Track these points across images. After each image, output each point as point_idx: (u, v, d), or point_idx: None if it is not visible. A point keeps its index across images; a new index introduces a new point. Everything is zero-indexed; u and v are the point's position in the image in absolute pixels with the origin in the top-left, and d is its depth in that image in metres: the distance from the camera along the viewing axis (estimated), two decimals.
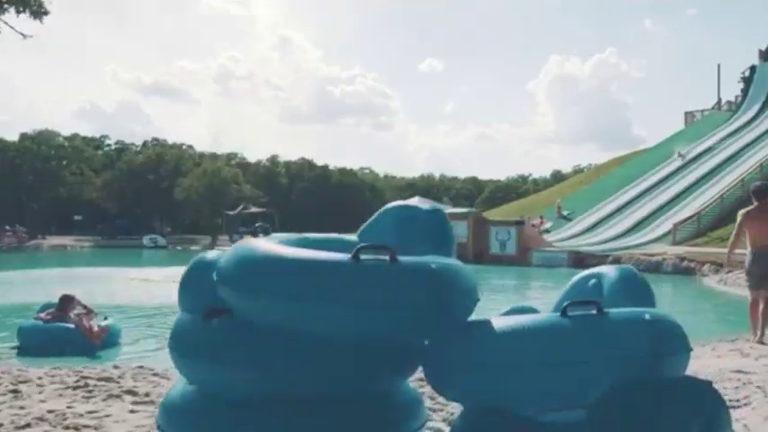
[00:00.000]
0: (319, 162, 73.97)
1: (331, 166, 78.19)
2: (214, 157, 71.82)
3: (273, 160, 73.60)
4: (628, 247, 25.49)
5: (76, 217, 51.97)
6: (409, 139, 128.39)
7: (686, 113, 47.86)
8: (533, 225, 33.36)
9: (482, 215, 29.04)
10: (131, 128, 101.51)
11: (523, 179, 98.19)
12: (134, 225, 46.23)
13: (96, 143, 62.77)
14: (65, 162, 47.31)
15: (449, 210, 30.96)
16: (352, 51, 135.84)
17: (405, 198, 58.04)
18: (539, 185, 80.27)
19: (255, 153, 71.78)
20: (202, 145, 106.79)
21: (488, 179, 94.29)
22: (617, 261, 23.07)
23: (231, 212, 48.48)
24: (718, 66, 49.07)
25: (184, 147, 67.16)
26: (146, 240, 42.60)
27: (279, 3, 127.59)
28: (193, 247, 42.66)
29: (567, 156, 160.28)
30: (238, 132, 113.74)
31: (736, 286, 16.30)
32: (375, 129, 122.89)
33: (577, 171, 77.95)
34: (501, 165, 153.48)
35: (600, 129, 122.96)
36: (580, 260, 24.04)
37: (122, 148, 59.42)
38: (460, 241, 28.24)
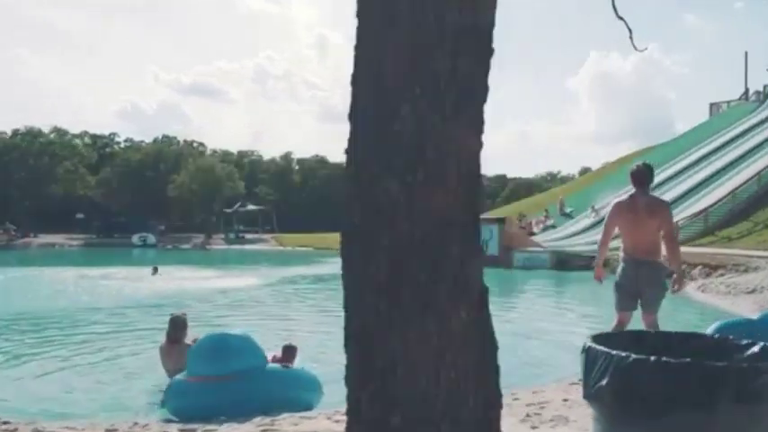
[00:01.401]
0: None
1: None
2: (227, 154, 70.86)
3: (287, 158, 72.23)
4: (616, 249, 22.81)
5: (78, 215, 51.12)
6: None
7: (711, 104, 44.53)
8: (529, 223, 30.95)
9: None
10: (171, 128, 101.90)
11: (552, 176, 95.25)
12: (130, 223, 45.02)
13: (105, 141, 62.11)
14: (55, 159, 46.35)
15: None
16: None
17: None
18: (565, 183, 77.25)
19: (296, 153, 70.89)
20: (241, 144, 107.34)
21: (517, 176, 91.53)
22: (605, 263, 20.58)
23: (228, 210, 47.05)
24: (746, 54, 45.51)
25: (195, 144, 66.14)
26: (135, 239, 41.35)
27: (316, 2, 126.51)
28: (184, 246, 41.28)
29: (608, 154, 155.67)
30: (276, 132, 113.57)
31: (715, 294, 13.80)
32: None
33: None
34: (538, 163, 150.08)
35: (641, 126, 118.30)
36: (563, 262, 21.65)
37: (132, 147, 58.52)
38: None
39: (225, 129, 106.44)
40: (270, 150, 71.43)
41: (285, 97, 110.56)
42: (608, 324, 5.54)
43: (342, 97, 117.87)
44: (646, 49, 4.90)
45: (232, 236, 44.50)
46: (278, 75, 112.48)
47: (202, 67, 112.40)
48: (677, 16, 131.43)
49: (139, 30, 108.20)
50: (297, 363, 7.20)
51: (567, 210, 32.35)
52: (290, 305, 14.03)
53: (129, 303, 13.19)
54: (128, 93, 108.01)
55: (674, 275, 5.38)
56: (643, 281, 5.30)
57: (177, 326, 6.23)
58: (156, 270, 17.77)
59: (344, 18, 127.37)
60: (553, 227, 30.72)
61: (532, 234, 29.96)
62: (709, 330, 5.19)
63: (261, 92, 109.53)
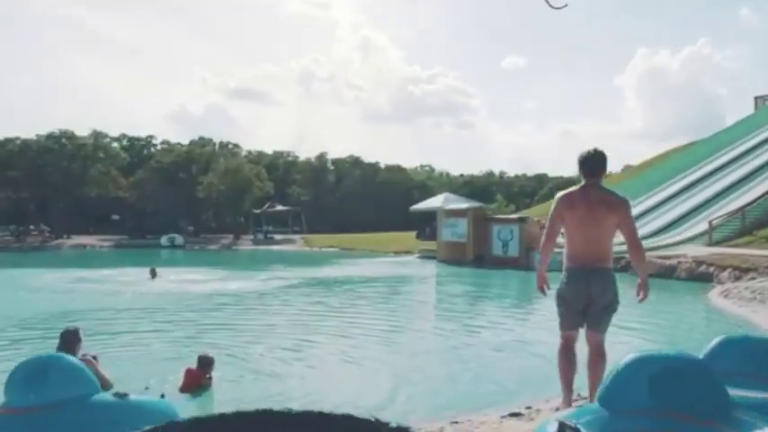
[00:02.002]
0: (394, 161, 73.40)
1: (382, 164, 75.97)
2: (262, 155, 70.98)
3: (321, 158, 71.96)
4: (649, 249, 21.49)
5: (114, 216, 51.72)
6: (491, 137, 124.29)
7: (756, 98, 42.25)
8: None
9: (484, 211, 25.58)
10: (219, 131, 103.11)
11: None
12: (161, 224, 45.24)
13: (142, 143, 62.78)
14: (88, 161, 46.86)
15: (448, 206, 27.77)
16: (433, 50, 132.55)
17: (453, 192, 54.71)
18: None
19: (337, 154, 71.28)
20: (286, 146, 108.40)
21: (557, 176, 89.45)
22: (629, 264, 19.38)
23: (257, 211, 46.86)
24: None
25: (230, 145, 66.38)
26: (163, 240, 41.40)
27: (360, 4, 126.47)
28: (210, 247, 41.19)
29: (655, 152, 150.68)
30: (321, 133, 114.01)
31: (737, 300, 12.59)
32: (456, 128, 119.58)
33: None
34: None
35: (690, 123, 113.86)
36: None
37: (166, 149, 58.95)
38: (459, 241, 25.07)
39: (270, 131, 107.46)
40: (313, 152, 71.19)
41: (329, 99, 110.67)
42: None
43: (385, 98, 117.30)
44: (565, 5, 4.07)
45: (261, 236, 44.26)
46: (322, 77, 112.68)
47: (248, 70, 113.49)
48: (731, 10, 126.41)
49: (187, 34, 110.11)
50: (215, 376, 6.56)
51: None
52: (259, 311, 12.92)
53: (98, 307, 12.66)
54: (176, 96, 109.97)
55: (639, 281, 4.50)
56: (595, 293, 4.42)
57: (67, 341, 5.61)
58: (154, 273, 17.36)
59: (387, 19, 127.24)
60: None
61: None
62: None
63: (305, 94, 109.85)
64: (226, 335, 9.62)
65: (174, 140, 62.74)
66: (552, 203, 4.62)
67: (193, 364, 6.39)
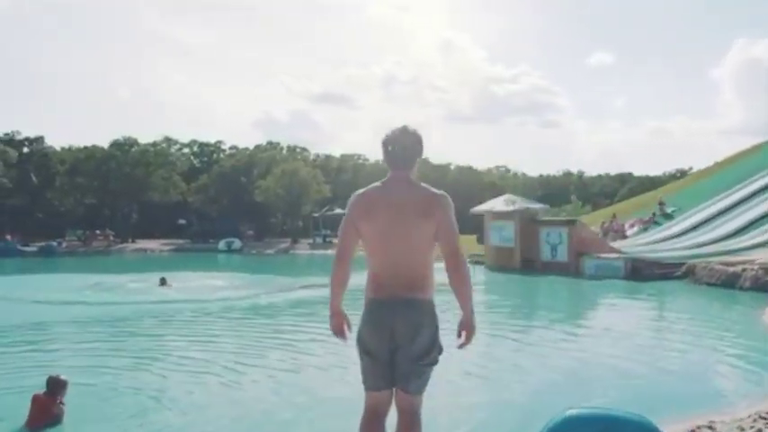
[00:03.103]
0: (474, 162, 72.33)
1: (452, 165, 74.29)
2: (330, 158, 70.73)
3: None
4: (713, 254, 19.08)
5: (180, 221, 52.57)
6: (578, 137, 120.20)
7: None
8: (621, 225, 27.38)
9: (532, 213, 23.60)
10: (303, 136, 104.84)
11: (682, 173, 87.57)
12: (222, 228, 45.48)
13: (211, 148, 63.78)
14: (150, 167, 47.78)
15: (495, 209, 25.98)
16: (516, 49, 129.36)
17: (523, 195, 52.61)
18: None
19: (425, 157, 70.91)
20: (369, 150, 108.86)
21: (642, 174, 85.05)
22: (690, 271, 17.20)
23: (316, 214, 46.29)
24: None
25: (298, 149, 66.49)
26: (221, 244, 41.44)
27: (441, 6, 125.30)
28: (267, 251, 40.84)
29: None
30: None
31: None
32: (541, 127, 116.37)
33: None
34: (674, 160, 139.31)
35: None
36: (637, 270, 18.34)
37: (229, 153, 59.65)
38: (507, 246, 23.30)
39: (353, 135, 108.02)
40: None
41: (412, 101, 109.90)
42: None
43: (468, 99, 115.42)
44: None
45: (319, 240, 43.64)
46: (404, 80, 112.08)
47: (331, 75, 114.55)
48: None
49: (270, 42, 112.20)
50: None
51: (669, 210, 28.29)
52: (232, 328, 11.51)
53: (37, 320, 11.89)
54: (261, 103, 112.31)
55: (461, 319, 3.04)
56: (401, 336, 2.97)
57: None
58: (164, 281, 16.64)
59: (469, 20, 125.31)
60: (644, 230, 26.92)
61: (624, 237, 26.47)
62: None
63: (388, 97, 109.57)
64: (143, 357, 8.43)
65: (229, 144, 63.60)
66: (348, 208, 3.17)
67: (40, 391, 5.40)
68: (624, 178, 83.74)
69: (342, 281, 3.15)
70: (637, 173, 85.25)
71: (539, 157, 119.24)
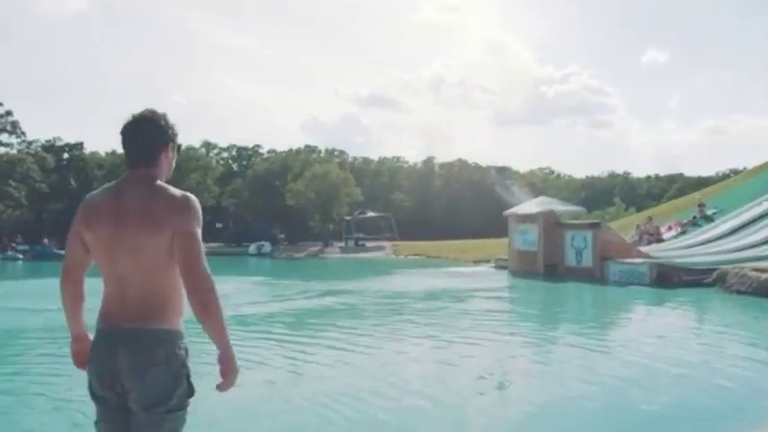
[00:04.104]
0: (520, 164, 71.21)
1: (491, 167, 73.05)
2: (367, 161, 70.36)
3: (428, 162, 70.18)
4: (745, 260, 17.65)
5: (217, 224, 52.86)
6: (631, 137, 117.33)
7: None
8: (656, 228, 25.92)
9: (556, 215, 22.44)
10: (352, 139, 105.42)
11: (735, 173, 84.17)
12: (257, 231, 45.45)
13: (249, 152, 64.10)
14: (182, 171, 48.13)
15: (518, 211, 24.91)
16: (567, 49, 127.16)
17: (565, 197, 51.19)
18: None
19: (470, 159, 70.25)
20: (417, 153, 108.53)
21: (694, 175, 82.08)
22: (721, 278, 15.90)
23: (348, 217, 45.81)
24: None
25: (336, 152, 66.31)
26: (251, 248, 41.33)
27: (490, 7, 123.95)
28: (298, 255, 40.49)
29: None
30: (452, 139, 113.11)
31: None
32: (592, 128, 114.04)
33: None
34: (729, 160, 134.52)
35: None
36: (664, 276, 17.11)
37: (265, 158, 59.82)
38: (530, 250, 22.24)
39: (401, 138, 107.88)
40: (445, 157, 69.88)
41: (460, 104, 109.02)
42: None
43: (518, 100, 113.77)
44: None
45: (351, 243, 43.13)
46: (453, 82, 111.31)
47: (379, 78, 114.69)
48: None
49: (319, 46, 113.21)
50: None
51: (709, 212, 26.68)
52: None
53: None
54: (311, 107, 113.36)
55: (218, 357, 2.30)
56: (127, 379, 2.25)
57: None
58: None
59: (518, 21, 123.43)
60: (683, 233, 25.41)
61: (660, 240, 25.04)
62: None
63: (436, 100, 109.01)
64: None
65: (267, 148, 63.73)
66: (77, 221, 2.41)
67: None
68: (673, 179, 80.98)
69: (73, 299, 2.45)
70: (689, 173, 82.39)
71: (587, 159, 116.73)
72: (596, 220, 22.08)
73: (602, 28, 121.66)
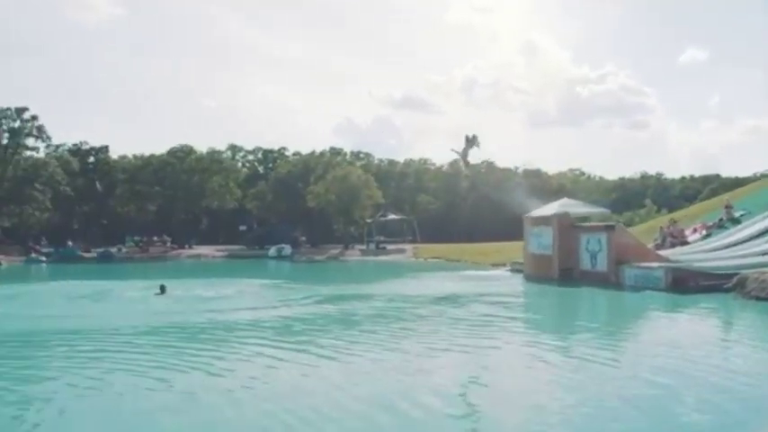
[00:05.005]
0: (555, 166, 70.08)
1: (520, 169, 71.92)
2: (392, 163, 69.85)
3: (454, 164, 69.36)
4: (763, 264, 16.71)
5: (241, 227, 52.91)
6: (668, 137, 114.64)
7: None
8: (680, 230, 24.94)
9: (570, 217, 21.67)
10: (385, 141, 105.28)
11: None
12: (279, 234, 45.25)
13: (275, 155, 64.10)
14: (206, 174, 48.27)
15: (534, 213, 24.25)
16: (602, 49, 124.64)
17: (594, 199, 50.07)
18: None
19: (503, 161, 69.42)
20: (449, 155, 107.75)
21: (730, 176, 79.70)
22: (741, 283, 15.07)
23: (369, 220, 45.35)
24: None
25: (362, 155, 66.03)
26: (271, 251, 41.13)
27: (523, 7, 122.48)
28: (318, 258, 40.15)
29: None
30: (486, 140, 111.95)
31: None
32: (629, 129, 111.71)
33: None
34: None
35: None
36: (679, 281, 16.30)
37: (287, 160, 59.80)
38: (545, 254, 21.53)
39: (434, 140, 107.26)
40: (477, 158, 69.04)
41: (494, 105, 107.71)
42: None
43: (552, 101, 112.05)
44: None
45: (372, 246, 42.66)
46: (486, 83, 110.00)
47: (412, 80, 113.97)
48: None
49: (350, 48, 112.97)
50: None
51: (737, 214, 25.60)
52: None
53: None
54: (345, 110, 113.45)
55: None
56: None
57: None
58: (163, 289, 15.99)
59: (553, 20, 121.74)
60: (708, 236, 24.37)
61: (684, 243, 24.07)
62: None
63: (469, 101, 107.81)
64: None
65: (293, 150, 63.73)
66: None
67: None
68: (708, 180, 78.70)
69: None
70: (726, 174, 79.94)
71: (621, 160, 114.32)
72: (611, 222, 21.23)
73: (639, 27, 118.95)
